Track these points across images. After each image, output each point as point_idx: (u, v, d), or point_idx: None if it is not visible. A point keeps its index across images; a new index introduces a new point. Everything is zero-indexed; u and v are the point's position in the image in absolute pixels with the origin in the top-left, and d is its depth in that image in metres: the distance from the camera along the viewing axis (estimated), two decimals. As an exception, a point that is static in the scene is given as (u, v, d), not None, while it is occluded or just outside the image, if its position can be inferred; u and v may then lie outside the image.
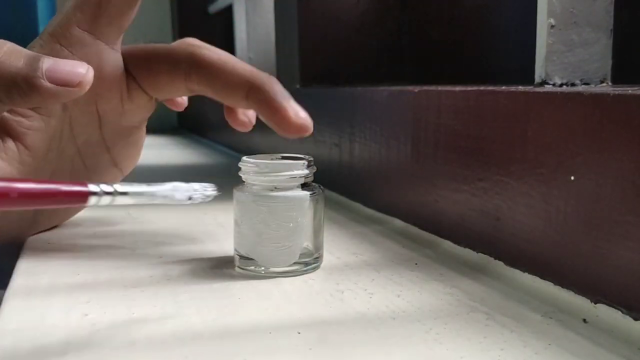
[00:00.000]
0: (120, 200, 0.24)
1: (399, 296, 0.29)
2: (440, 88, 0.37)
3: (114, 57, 0.33)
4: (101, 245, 0.37)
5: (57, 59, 0.28)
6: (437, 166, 0.37)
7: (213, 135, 1.00)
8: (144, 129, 0.38)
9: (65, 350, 0.22)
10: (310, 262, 0.32)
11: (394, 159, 0.42)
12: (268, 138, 0.66)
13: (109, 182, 0.24)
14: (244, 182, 0.31)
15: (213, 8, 1.09)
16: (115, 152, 0.37)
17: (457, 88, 0.35)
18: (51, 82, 0.27)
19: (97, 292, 0.28)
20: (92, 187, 0.23)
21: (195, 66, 0.32)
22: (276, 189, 0.30)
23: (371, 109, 0.45)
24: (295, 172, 0.31)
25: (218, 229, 0.41)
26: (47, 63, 0.27)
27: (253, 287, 0.29)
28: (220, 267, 0.32)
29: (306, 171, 0.31)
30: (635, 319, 0.24)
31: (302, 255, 0.31)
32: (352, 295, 0.29)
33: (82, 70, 0.28)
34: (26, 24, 1.06)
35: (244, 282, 0.30)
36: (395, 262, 0.34)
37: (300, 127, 0.31)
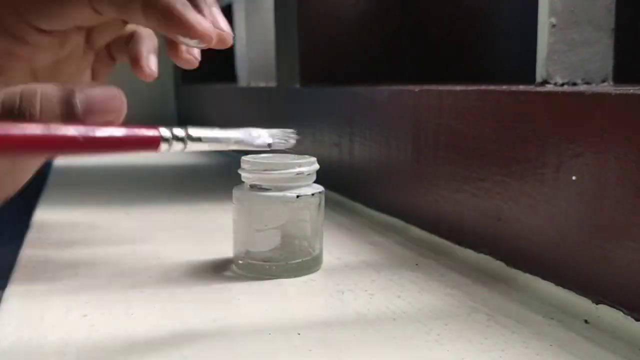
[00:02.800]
0: (193, 146, 0.23)
1: (399, 297, 0.28)
2: (441, 88, 0.37)
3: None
4: (100, 245, 0.37)
5: (88, 89, 0.26)
6: (437, 166, 0.37)
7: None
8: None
9: (64, 350, 0.22)
10: (310, 262, 0.31)
11: (395, 158, 0.42)
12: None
13: (182, 127, 0.23)
14: (243, 181, 0.31)
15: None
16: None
17: (458, 88, 0.35)
18: (90, 122, 0.25)
19: (96, 293, 0.28)
20: (163, 132, 0.22)
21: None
22: (276, 188, 0.30)
23: (371, 109, 0.45)
24: (296, 170, 0.30)
25: (217, 229, 0.41)
26: (81, 102, 0.25)
27: (253, 288, 0.29)
28: (219, 268, 0.32)
29: (307, 170, 0.31)
30: (637, 320, 0.24)
31: (302, 255, 0.31)
32: (352, 296, 0.29)
33: (117, 101, 0.26)
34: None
35: (243, 282, 0.30)
36: (396, 263, 0.34)
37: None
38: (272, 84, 0.72)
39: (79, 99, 0.25)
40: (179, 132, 0.23)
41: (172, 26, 0.29)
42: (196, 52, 0.34)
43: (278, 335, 0.24)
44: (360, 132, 0.46)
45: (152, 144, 0.22)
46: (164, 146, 0.22)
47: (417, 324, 0.25)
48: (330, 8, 0.59)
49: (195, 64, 0.34)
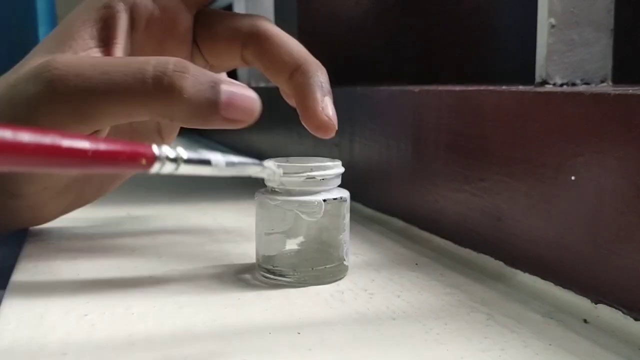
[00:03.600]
0: (183, 169, 0.21)
1: (399, 296, 0.28)
2: (441, 88, 0.37)
3: (187, 19, 0.32)
4: (101, 245, 0.37)
5: (233, 85, 0.26)
6: (437, 166, 0.37)
7: (213, 135, 1.00)
8: None
9: (65, 350, 0.22)
10: (336, 268, 0.30)
11: (394, 158, 0.42)
12: (266, 138, 0.66)
13: (171, 146, 0.21)
14: (266, 185, 0.30)
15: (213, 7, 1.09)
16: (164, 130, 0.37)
17: (458, 88, 0.35)
18: (226, 117, 0.26)
19: (97, 292, 0.28)
20: (156, 150, 0.20)
21: (254, 37, 0.32)
22: (306, 191, 0.29)
23: (371, 109, 0.45)
24: (305, 175, 0.29)
25: (218, 229, 0.41)
26: (225, 94, 0.26)
27: (252, 288, 0.29)
28: (219, 268, 0.32)
29: (319, 174, 0.29)
30: (636, 319, 0.24)
31: (323, 262, 0.30)
32: (352, 295, 0.29)
33: (254, 105, 0.27)
34: (25, 25, 1.06)
35: (243, 282, 0.30)
36: (396, 262, 0.34)
37: (321, 125, 0.31)
38: (272, 84, 0.72)
39: (223, 88, 0.26)
40: (170, 152, 0.20)
41: (301, 103, 0.31)
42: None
43: (278, 335, 0.24)
44: (360, 132, 0.47)
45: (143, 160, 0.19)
46: (156, 166, 0.20)
47: (417, 323, 0.25)
48: (331, 8, 0.59)
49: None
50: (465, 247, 0.35)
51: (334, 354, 0.22)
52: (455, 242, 0.36)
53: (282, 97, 0.64)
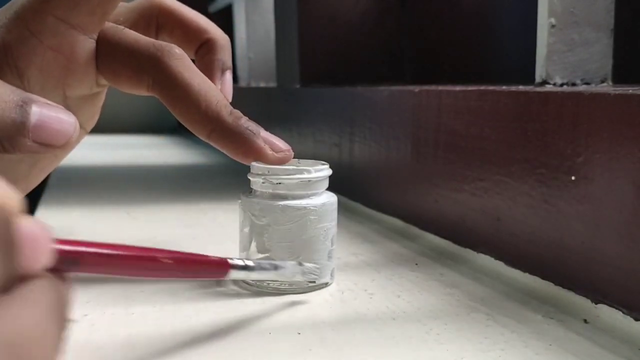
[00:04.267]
0: (252, 275, 0.25)
1: (399, 296, 0.28)
2: (440, 88, 0.37)
3: (88, 48, 0.29)
4: (101, 245, 0.37)
5: (46, 106, 0.25)
6: (437, 166, 0.37)
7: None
8: (105, 90, 0.34)
9: (65, 349, 0.22)
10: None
11: (394, 158, 0.42)
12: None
13: (241, 258, 0.25)
14: (252, 189, 0.29)
15: (213, 8, 1.09)
16: (80, 115, 0.33)
17: (458, 88, 0.35)
18: (35, 141, 0.24)
19: (97, 292, 0.28)
20: (231, 261, 0.24)
21: (159, 80, 0.29)
22: (292, 195, 0.28)
23: (371, 109, 0.45)
24: (311, 176, 0.28)
25: (218, 229, 0.41)
26: (35, 116, 0.24)
27: (252, 288, 0.29)
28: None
29: (321, 175, 0.29)
30: (636, 319, 0.24)
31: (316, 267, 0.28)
32: (352, 295, 0.29)
33: (69, 130, 0.25)
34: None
35: (243, 282, 0.30)
36: (395, 263, 0.34)
37: (280, 161, 0.29)
38: (272, 84, 0.72)
39: (34, 109, 0.24)
40: (239, 262, 0.24)
41: (245, 157, 0.29)
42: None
43: (278, 335, 0.24)
44: (360, 132, 0.47)
45: (222, 270, 0.24)
46: (231, 273, 0.24)
47: (417, 323, 0.25)
48: (330, 8, 0.59)
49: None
50: (465, 247, 0.35)
51: (334, 354, 0.22)
52: (455, 242, 0.36)
53: (281, 98, 0.63)
